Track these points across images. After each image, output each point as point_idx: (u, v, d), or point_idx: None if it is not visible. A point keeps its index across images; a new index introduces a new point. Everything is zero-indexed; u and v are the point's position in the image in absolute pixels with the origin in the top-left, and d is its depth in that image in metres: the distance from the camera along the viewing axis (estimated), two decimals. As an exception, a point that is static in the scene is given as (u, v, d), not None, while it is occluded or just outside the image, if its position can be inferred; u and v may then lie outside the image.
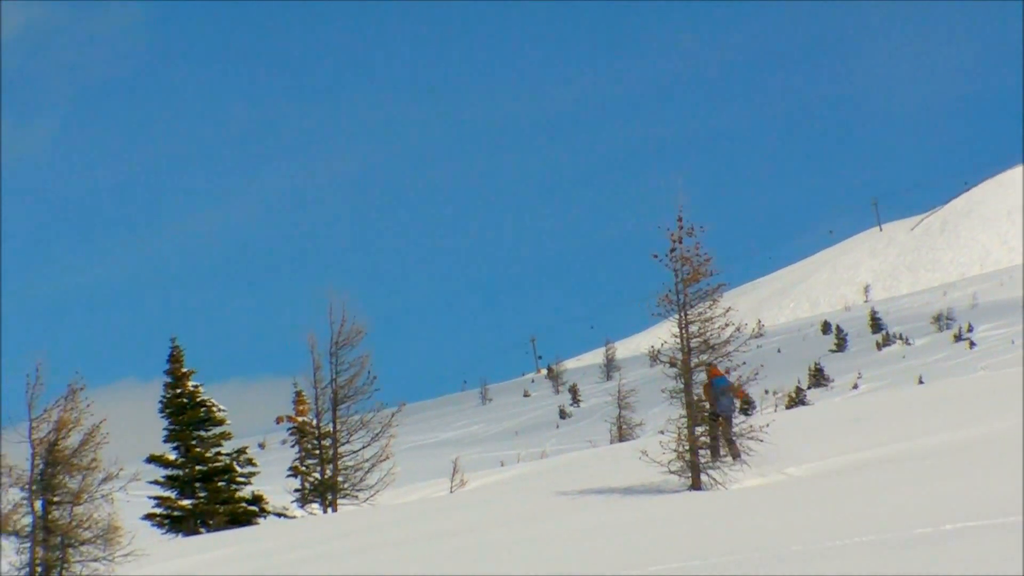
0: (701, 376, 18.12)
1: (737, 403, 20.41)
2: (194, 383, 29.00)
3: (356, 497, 27.12)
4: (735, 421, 18.94)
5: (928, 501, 12.27)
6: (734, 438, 18.05)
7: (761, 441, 17.57)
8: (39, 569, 16.59)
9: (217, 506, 28.14)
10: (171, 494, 28.66)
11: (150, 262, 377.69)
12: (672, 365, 18.35)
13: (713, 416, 19.68)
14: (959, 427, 20.09)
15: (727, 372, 19.16)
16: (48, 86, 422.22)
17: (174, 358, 29.05)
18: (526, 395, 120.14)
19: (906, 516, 10.98)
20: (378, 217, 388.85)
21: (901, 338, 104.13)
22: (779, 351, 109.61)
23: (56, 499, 16.69)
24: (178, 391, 28.45)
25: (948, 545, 8.64)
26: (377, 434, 27.30)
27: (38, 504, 16.66)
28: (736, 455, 19.15)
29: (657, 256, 17.96)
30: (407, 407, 29.32)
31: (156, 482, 28.25)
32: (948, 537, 8.99)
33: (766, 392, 67.27)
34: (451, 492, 28.70)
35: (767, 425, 17.95)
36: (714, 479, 17.10)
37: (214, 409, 28.92)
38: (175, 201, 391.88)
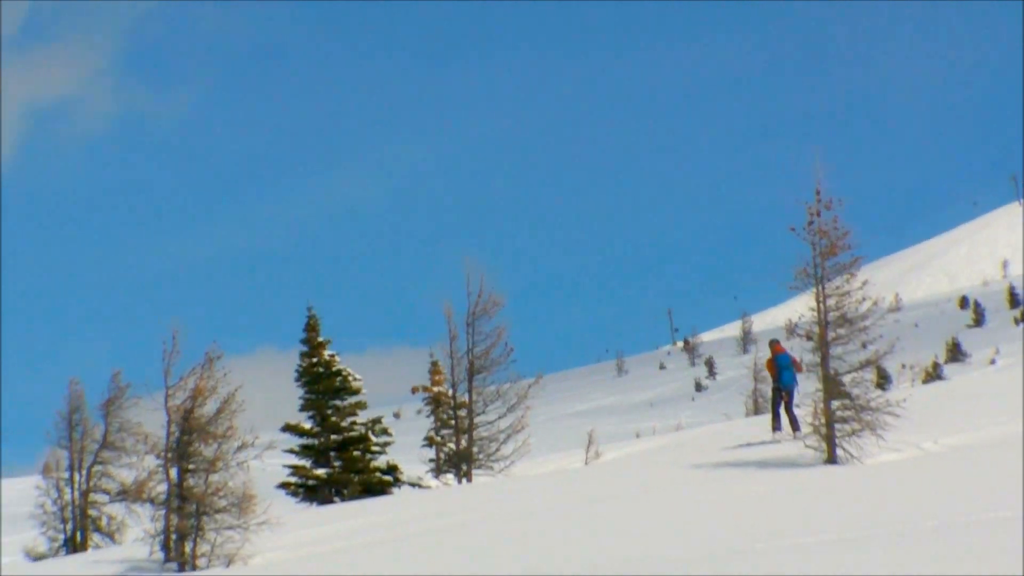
0: (837, 350, 17.99)
1: (799, 377, 21.35)
2: (330, 352, 29.28)
3: (491, 468, 27.13)
4: (867, 397, 18.86)
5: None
6: (805, 410, 18.40)
7: (897, 416, 17.52)
8: (174, 536, 16.64)
9: (352, 475, 28.33)
10: (306, 463, 29.03)
11: (290, 232, 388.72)
12: (808, 339, 18.84)
13: (776, 390, 22.24)
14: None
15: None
16: (192, 55, 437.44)
17: (310, 327, 29.44)
18: (662, 367, 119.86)
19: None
20: (519, 187, 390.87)
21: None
22: (916, 325, 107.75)
23: (191, 467, 16.82)
24: (314, 360, 28.81)
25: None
26: (513, 405, 27.11)
27: (173, 472, 16.79)
28: (795, 428, 20.93)
29: (795, 229, 18.26)
30: (544, 378, 29.10)
31: (291, 451, 28.69)
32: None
33: (903, 367, 67.43)
34: (586, 463, 28.71)
35: (903, 400, 17.89)
36: (849, 453, 17.20)
37: (350, 378, 29.13)
38: (313, 171, 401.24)
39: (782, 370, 22.06)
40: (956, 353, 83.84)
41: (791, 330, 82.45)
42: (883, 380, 56.00)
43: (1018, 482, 11.97)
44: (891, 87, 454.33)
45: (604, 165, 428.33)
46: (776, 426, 22.41)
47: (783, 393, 22.08)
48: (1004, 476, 12.91)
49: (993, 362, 77.30)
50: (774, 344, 23.09)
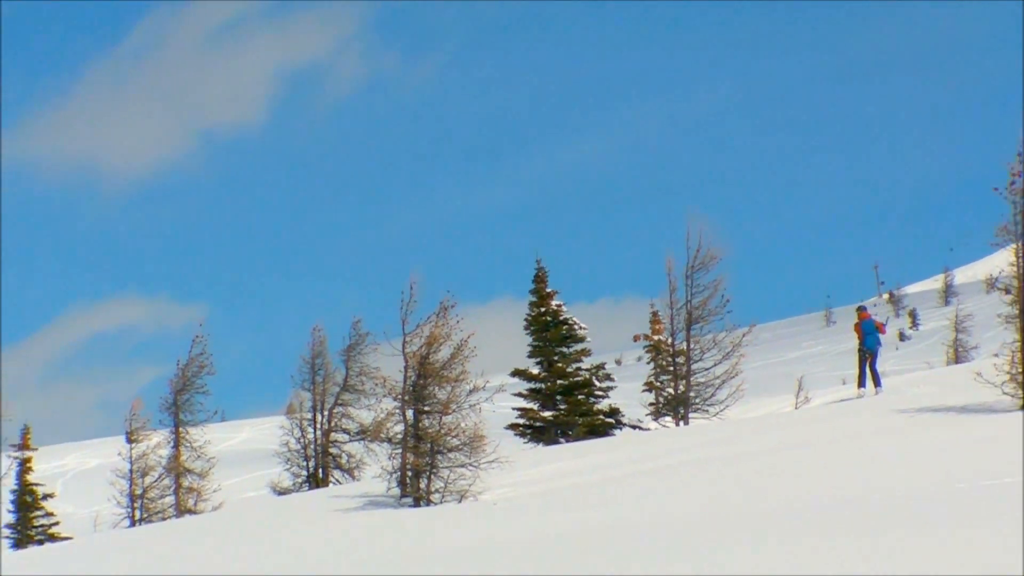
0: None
1: (882, 339, 25.63)
2: (557, 302, 30.41)
3: (706, 411, 28.27)
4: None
5: None
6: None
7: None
8: (409, 473, 17.54)
9: (576, 418, 29.59)
10: (533, 406, 30.40)
11: (525, 189, 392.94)
12: (1007, 292, 19.49)
13: (861, 351, 25.28)
14: None
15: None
16: (442, 20, 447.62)
17: (539, 279, 30.53)
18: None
19: None
20: (739, 144, 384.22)
21: None
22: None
23: (426, 409, 17.68)
24: (542, 310, 30.03)
25: None
26: (728, 353, 28.41)
27: (409, 413, 17.73)
28: (877, 384, 24.82)
29: (997, 190, 18.85)
30: (756, 328, 29.36)
31: (519, 395, 30.14)
32: None
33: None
34: (795, 408, 30.81)
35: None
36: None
37: (575, 327, 30.29)
38: (548, 132, 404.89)
39: (866, 334, 25.07)
40: None
41: (991, 284, 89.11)
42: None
43: None
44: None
45: (822, 120, 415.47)
46: (861, 383, 25.22)
47: (868, 354, 25.05)
48: None
49: None
50: (860, 310, 26.46)
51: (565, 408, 29.79)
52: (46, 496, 33.80)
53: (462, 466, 17.30)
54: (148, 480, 25.84)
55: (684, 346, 27.91)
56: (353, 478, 27.26)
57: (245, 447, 50.85)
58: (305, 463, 27.63)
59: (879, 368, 26.57)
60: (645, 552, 9.48)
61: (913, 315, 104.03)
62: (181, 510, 26.40)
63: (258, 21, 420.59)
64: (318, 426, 27.67)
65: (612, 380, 31.24)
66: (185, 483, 26.36)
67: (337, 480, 27.60)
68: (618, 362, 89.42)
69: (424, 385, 18.20)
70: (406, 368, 18.37)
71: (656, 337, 32.26)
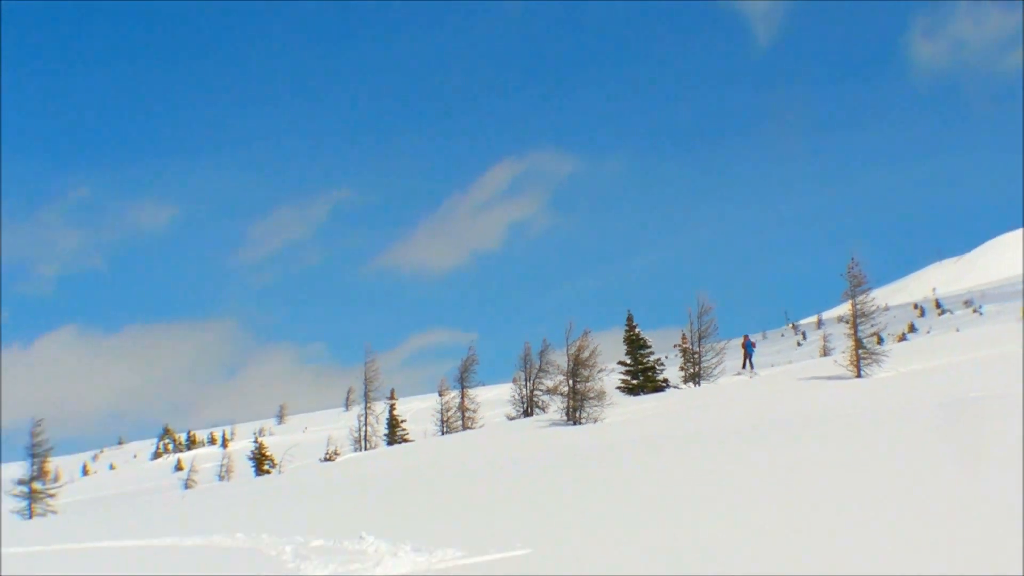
0: None
1: (756, 349, 40.17)
2: (637, 328, 43.60)
3: (710, 380, 40.12)
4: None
5: None
6: None
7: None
8: (570, 410, 30.66)
9: (647, 383, 42.52)
10: (628, 377, 43.36)
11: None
12: (846, 322, 32.61)
13: (745, 352, 39.30)
14: None
15: None
16: None
17: (630, 319, 43.17)
18: None
19: None
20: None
21: None
22: None
23: (577, 379, 31.40)
24: (631, 332, 42.99)
25: None
26: (718, 352, 41.35)
27: (570, 381, 32.53)
28: (752, 368, 38.19)
29: (843, 274, 32.25)
30: (729, 341, 44.38)
31: (622, 368, 43.42)
32: None
33: None
34: (741, 376, 41.09)
35: None
36: None
37: (645, 340, 43.12)
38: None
39: (748, 345, 42.12)
40: None
41: (840, 319, 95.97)
42: None
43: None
44: None
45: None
46: (744, 367, 41.80)
47: (747, 354, 41.36)
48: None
49: None
50: (745, 336, 42.36)
51: (642, 379, 42.25)
52: (403, 422, 48.19)
53: (595, 407, 29.89)
54: (449, 413, 43.81)
55: (697, 348, 41.05)
56: (544, 412, 39.59)
57: (497, 398, 69.72)
58: (523, 405, 42.39)
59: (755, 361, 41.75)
60: (693, 443, 18.29)
61: (804, 334, 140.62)
62: (466, 426, 42.75)
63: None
64: (527, 386, 42.34)
65: (663, 365, 43.98)
66: (468, 415, 43.75)
67: (540, 411, 40.83)
68: (666, 357, 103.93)
69: (576, 368, 32.11)
70: (568, 359, 33.04)
71: (684, 344, 42.50)
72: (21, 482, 38.38)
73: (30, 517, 36.36)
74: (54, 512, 37.19)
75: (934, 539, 8.11)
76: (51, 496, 38.85)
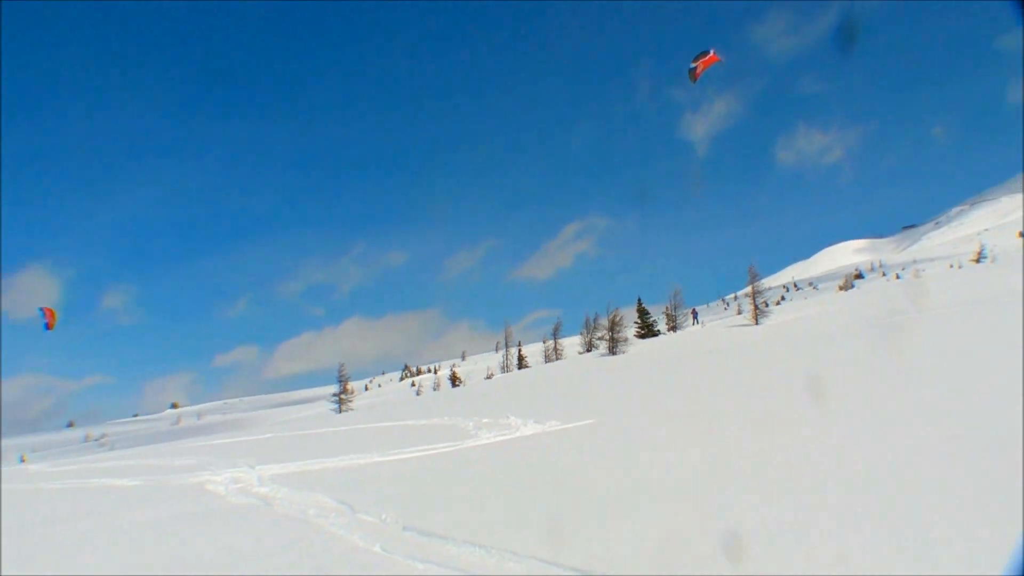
0: None
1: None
2: (643, 304, 76.10)
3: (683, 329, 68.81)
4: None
5: None
6: None
7: None
8: (610, 347, 70.48)
9: (646, 332, 76.19)
10: (641, 330, 76.89)
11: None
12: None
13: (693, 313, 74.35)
14: None
15: None
16: None
17: (640, 301, 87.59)
18: None
19: None
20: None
21: None
22: None
23: (615, 329, 71.15)
24: (641, 302, 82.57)
25: None
26: (679, 318, 73.45)
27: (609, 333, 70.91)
28: (697, 321, 74.98)
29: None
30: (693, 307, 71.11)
31: (637, 326, 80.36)
32: None
33: None
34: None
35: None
36: None
37: (646, 309, 77.48)
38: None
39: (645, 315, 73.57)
40: None
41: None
42: None
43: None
44: None
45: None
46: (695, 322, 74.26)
47: (691, 311, 76.64)
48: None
49: None
50: (692, 309, 77.98)
51: (646, 331, 68.60)
52: (524, 357, 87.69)
53: (623, 345, 61.14)
54: (548, 351, 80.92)
55: (674, 313, 71.91)
56: (597, 349, 68.22)
57: (571, 343, 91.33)
58: (586, 346, 74.86)
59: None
60: (673, 357, 39.83)
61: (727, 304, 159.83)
62: (558, 358, 78.27)
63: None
64: (588, 336, 77.19)
65: (656, 322, 72.31)
66: (559, 352, 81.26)
67: (595, 349, 71.43)
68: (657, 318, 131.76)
69: (613, 326, 64.82)
70: (608, 321, 65.92)
71: (667, 311, 71.88)
72: (334, 394, 75.45)
73: (339, 412, 72.91)
74: (351, 409, 72.97)
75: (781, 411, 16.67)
76: (350, 400, 75.78)
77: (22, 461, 67.63)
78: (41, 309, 24.94)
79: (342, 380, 74.91)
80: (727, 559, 7.49)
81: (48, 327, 24.28)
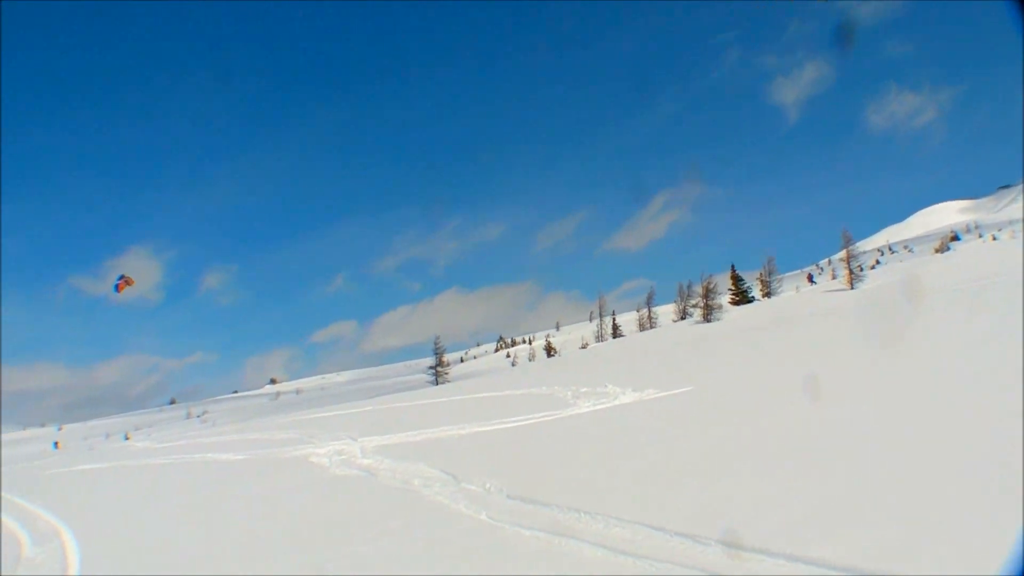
0: None
1: None
2: (737, 270, 76.51)
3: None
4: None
5: None
6: None
7: None
8: (705, 313, 70.66)
9: (740, 298, 75.72)
10: (735, 296, 78.51)
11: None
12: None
13: None
14: None
15: None
16: None
17: (734, 268, 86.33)
18: None
19: None
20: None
21: None
22: None
23: (709, 297, 70.62)
24: (735, 269, 79.67)
25: None
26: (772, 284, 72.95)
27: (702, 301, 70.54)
28: None
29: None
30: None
31: (731, 293, 79.62)
32: None
33: None
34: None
35: None
36: None
37: (740, 276, 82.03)
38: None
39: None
40: None
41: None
42: None
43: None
44: None
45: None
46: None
47: None
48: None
49: None
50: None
51: (740, 297, 72.90)
52: (619, 327, 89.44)
53: (717, 312, 65.86)
54: (643, 320, 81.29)
55: (768, 279, 72.85)
56: (691, 316, 73.42)
57: (665, 311, 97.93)
58: (681, 314, 76.46)
59: None
60: (770, 321, 45.66)
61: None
62: (652, 326, 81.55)
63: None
64: (682, 304, 79.02)
65: (750, 289, 74.57)
66: (652, 320, 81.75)
67: (689, 316, 74.79)
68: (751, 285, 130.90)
69: (707, 293, 66.08)
70: (702, 288, 66.82)
71: (761, 277, 72.39)
72: (430, 366, 76.46)
73: (436, 384, 73.94)
74: (448, 381, 74.29)
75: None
76: (446, 372, 76.80)
77: (126, 439, 69.79)
78: (121, 275, 25.62)
79: (438, 352, 75.83)
80: (814, 526, 7.39)
81: (118, 289, 24.92)
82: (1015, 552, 5.19)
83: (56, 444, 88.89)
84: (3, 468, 45.32)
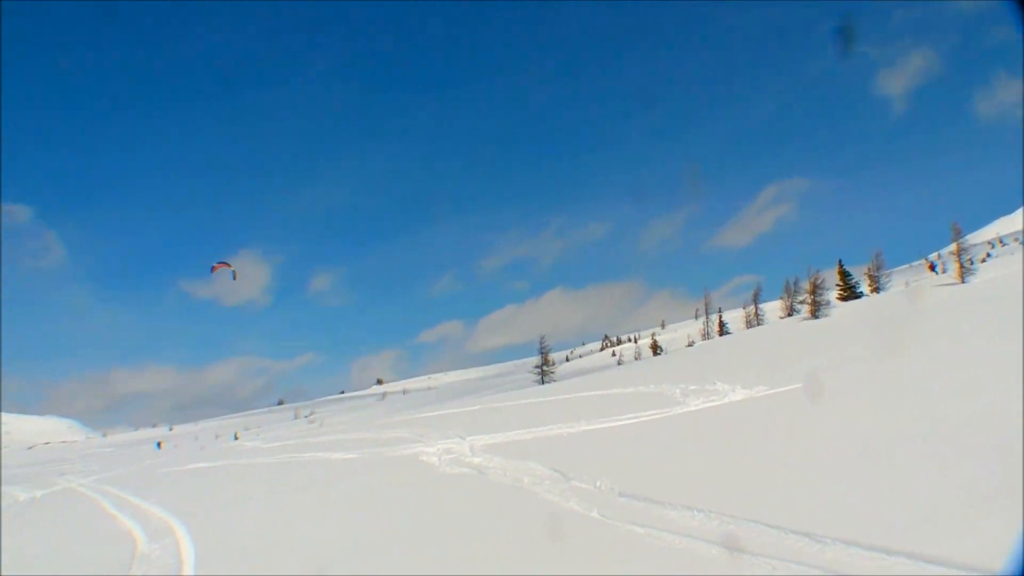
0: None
1: None
2: (844, 266, 74.42)
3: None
4: None
5: None
6: None
7: None
8: (812, 305, 69.44)
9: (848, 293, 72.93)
10: (844, 292, 77.78)
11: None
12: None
13: None
14: None
15: None
16: None
17: (841, 263, 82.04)
18: None
19: None
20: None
21: None
22: None
23: (817, 292, 69.62)
24: (842, 264, 77.99)
25: None
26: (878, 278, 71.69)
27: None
28: None
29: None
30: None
31: (839, 288, 78.49)
32: None
33: None
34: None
35: None
36: None
37: (846, 271, 76.50)
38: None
39: None
40: None
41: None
42: None
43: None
44: None
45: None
46: None
47: None
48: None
49: None
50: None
51: (848, 292, 71.61)
52: (725, 324, 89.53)
53: (826, 308, 67.80)
54: (750, 317, 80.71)
55: (875, 274, 70.82)
56: (800, 313, 73.46)
57: (772, 307, 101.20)
58: (788, 310, 77.27)
59: None
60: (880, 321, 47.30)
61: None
62: (758, 323, 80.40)
63: None
64: (788, 300, 78.20)
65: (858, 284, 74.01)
66: (759, 316, 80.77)
67: (796, 312, 77.61)
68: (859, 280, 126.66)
69: (815, 288, 65.13)
70: (809, 284, 65.77)
71: (869, 273, 71.46)
72: (536, 365, 76.60)
73: (542, 383, 74.00)
74: (554, 380, 74.37)
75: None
76: (551, 371, 76.84)
77: (236, 438, 71.62)
78: (223, 261, 26.13)
79: (543, 351, 75.83)
80: (934, 524, 7.20)
81: (212, 270, 25.46)
82: (1015, 552, 5.20)
83: (159, 444, 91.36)
84: (119, 469, 46.84)
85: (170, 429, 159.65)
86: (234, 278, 24.89)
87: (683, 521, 8.91)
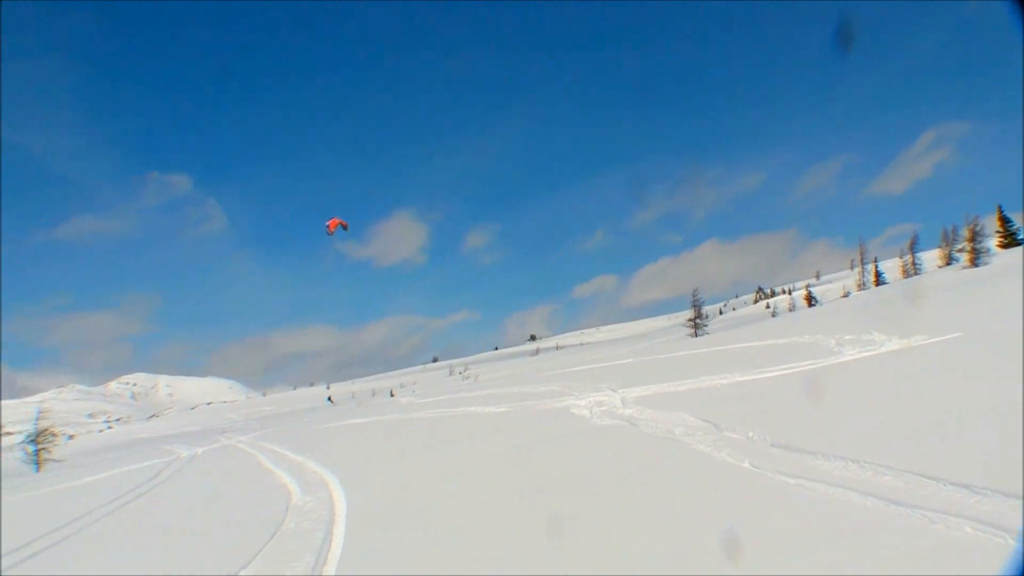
0: None
1: None
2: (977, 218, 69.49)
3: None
4: None
5: None
6: None
7: None
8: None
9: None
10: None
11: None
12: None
13: None
14: None
15: None
16: None
17: (1001, 210, 73.81)
18: None
19: None
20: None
21: None
22: None
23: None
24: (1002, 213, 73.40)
25: None
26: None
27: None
28: None
29: None
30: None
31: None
32: None
33: None
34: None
35: None
36: None
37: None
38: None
39: None
40: None
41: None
42: None
43: None
44: None
45: None
46: None
47: None
48: None
49: None
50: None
51: (1007, 239, 66.54)
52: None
53: (985, 254, 65.80)
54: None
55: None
56: (957, 262, 70.35)
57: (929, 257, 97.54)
58: (948, 259, 76.08)
59: None
60: None
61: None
62: (908, 276, 77.93)
63: None
64: (945, 247, 75.21)
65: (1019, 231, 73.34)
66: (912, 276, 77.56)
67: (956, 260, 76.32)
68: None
69: (973, 235, 65.12)
70: (967, 231, 64.44)
71: None
72: (689, 319, 75.77)
73: (695, 336, 73.20)
74: (706, 333, 73.56)
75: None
76: (705, 324, 75.84)
77: (391, 395, 73.75)
78: (334, 218, 26.59)
79: (696, 304, 75.29)
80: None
81: (328, 231, 25.95)
82: (1015, 552, 5.22)
83: (330, 398, 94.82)
84: (280, 424, 48.26)
85: (327, 387, 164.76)
86: (345, 229, 25.50)
87: (836, 472, 8.81)
